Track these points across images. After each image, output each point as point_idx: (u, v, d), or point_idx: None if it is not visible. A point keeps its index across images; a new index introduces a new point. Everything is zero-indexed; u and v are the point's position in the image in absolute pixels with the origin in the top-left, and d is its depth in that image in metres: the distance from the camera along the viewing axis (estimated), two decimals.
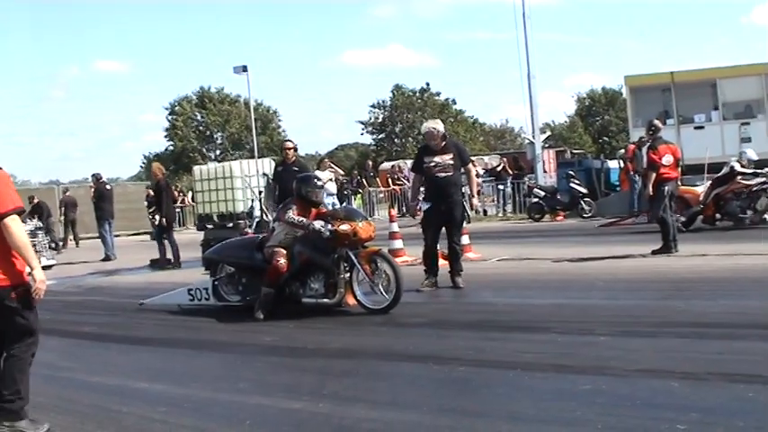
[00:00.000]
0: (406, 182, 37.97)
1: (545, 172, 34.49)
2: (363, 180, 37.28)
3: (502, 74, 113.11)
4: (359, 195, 36.14)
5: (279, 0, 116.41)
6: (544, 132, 39.24)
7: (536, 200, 29.67)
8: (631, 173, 27.03)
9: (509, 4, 43.58)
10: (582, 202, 28.58)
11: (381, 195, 37.10)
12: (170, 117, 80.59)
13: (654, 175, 15.65)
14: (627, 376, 7.36)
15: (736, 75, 30.62)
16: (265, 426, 6.87)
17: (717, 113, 30.22)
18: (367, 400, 7.41)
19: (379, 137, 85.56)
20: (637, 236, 19.13)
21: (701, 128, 30.00)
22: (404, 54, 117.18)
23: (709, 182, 20.57)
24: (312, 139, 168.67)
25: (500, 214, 33.23)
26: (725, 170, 20.48)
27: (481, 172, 36.93)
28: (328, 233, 11.56)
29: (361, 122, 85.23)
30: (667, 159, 15.73)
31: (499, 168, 35.61)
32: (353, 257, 11.62)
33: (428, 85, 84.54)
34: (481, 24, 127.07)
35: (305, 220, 11.87)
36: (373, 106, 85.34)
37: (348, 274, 11.74)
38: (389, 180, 38.63)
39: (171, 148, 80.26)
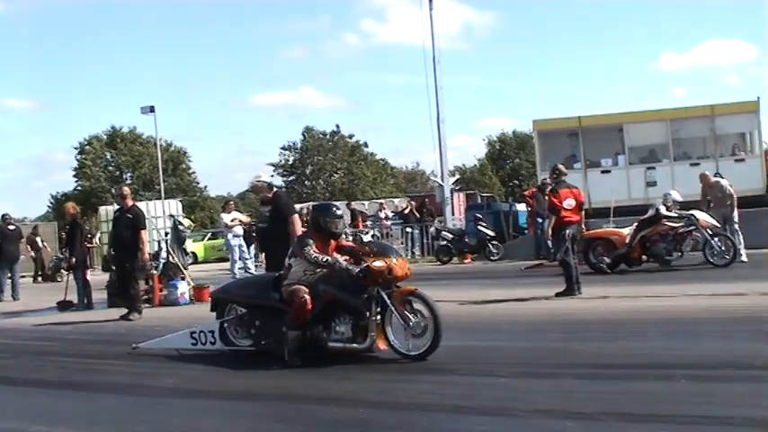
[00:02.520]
0: None
1: (454, 215, 34.74)
2: None
3: (413, 117, 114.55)
4: None
5: (190, 41, 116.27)
6: (453, 175, 39.57)
7: (444, 242, 29.88)
8: (537, 217, 27.40)
9: (419, 47, 43.85)
10: (489, 245, 28.89)
11: None
12: (79, 156, 79.38)
13: (554, 218, 15.90)
14: (523, 417, 7.47)
15: (643, 120, 31.44)
16: None
17: (623, 158, 30.79)
18: None
19: (290, 179, 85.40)
20: (549, 279, 19.33)
21: (608, 172, 30.58)
22: (314, 96, 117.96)
23: (635, 224, 20.87)
24: (224, 181, 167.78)
25: (408, 257, 33.26)
26: (650, 212, 20.82)
27: (390, 215, 37.20)
28: (358, 271, 10.47)
29: (272, 164, 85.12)
30: (569, 203, 16.02)
31: (406, 211, 35.73)
32: (386, 298, 10.47)
33: (338, 127, 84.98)
34: (392, 67, 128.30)
35: (329, 258, 10.76)
36: (284, 148, 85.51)
37: (379, 316, 10.56)
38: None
39: (79, 188, 79.05)
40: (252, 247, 27.20)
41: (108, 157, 79.77)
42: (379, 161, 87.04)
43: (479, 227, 29.30)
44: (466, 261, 29.25)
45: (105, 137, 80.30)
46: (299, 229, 14.11)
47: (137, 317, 17.03)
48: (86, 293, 20.64)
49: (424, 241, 33.52)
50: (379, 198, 60.79)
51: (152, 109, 36.78)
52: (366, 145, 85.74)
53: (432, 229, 32.57)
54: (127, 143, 78.98)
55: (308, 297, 10.62)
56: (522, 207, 32.67)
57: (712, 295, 14.67)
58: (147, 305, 19.01)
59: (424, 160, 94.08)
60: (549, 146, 32.42)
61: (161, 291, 19.85)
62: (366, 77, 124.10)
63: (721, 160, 29.38)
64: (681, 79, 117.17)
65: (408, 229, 34.41)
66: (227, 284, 12.73)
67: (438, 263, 29.39)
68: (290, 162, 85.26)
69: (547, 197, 17.62)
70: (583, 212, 17.36)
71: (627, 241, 20.58)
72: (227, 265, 27.34)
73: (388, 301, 10.43)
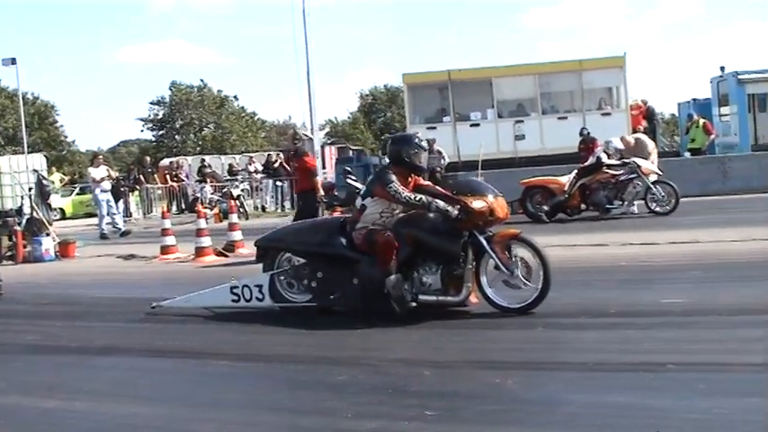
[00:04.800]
0: (185, 178, 37.44)
1: (325, 168, 34.57)
2: (141, 176, 36.35)
3: (285, 70, 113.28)
4: (136, 192, 35.21)
5: None
6: (323, 129, 39.40)
7: None
8: None
9: None
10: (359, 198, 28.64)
11: (159, 192, 36.27)
12: None
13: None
14: (382, 366, 7.51)
15: (511, 74, 31.88)
16: (20, 426, 6.61)
17: (492, 111, 31.16)
18: (126, 395, 7.23)
19: (160, 133, 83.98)
20: None
21: (477, 125, 30.86)
22: (184, 49, 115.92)
23: (575, 171, 20.36)
24: (94, 135, 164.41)
25: (278, 210, 33.04)
26: (591, 160, 20.49)
27: (260, 168, 36.88)
28: (457, 212, 9.17)
29: (142, 119, 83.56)
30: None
31: (276, 164, 35.41)
32: (485, 243, 9.31)
33: (203, 81, 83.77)
34: (262, 19, 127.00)
35: (423, 197, 9.32)
36: (152, 103, 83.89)
37: (473, 264, 9.37)
38: (167, 177, 37.88)
39: None
40: (120, 202, 26.65)
41: None
42: (249, 114, 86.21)
43: (348, 180, 29.06)
44: (335, 214, 29.01)
45: None
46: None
47: None
48: None
49: (294, 194, 33.23)
50: (250, 151, 60.36)
51: (13, 61, 35.80)
52: (236, 98, 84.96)
53: None
54: None
55: (392, 236, 9.28)
56: None
57: (625, 245, 14.57)
58: (10, 262, 18.59)
59: (296, 113, 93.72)
60: (418, 99, 32.58)
61: (25, 247, 19.23)
62: (238, 29, 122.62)
63: (588, 114, 29.96)
64: (549, 33, 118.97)
65: (279, 183, 34.10)
66: (278, 231, 10.95)
67: None
68: (159, 117, 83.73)
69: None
70: None
71: (566, 189, 19.99)
72: (95, 220, 26.67)
73: (487, 247, 9.26)
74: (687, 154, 29.25)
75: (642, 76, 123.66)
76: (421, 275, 9.37)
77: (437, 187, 9.95)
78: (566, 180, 20.20)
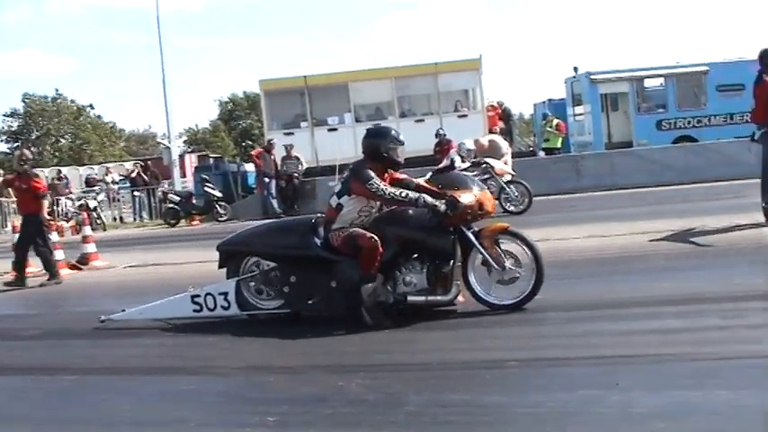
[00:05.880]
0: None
1: (186, 177, 34.17)
2: None
3: (143, 78, 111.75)
4: None
5: None
6: (180, 137, 39.04)
7: (171, 205, 29.24)
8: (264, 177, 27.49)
9: (143, 7, 42.69)
10: (217, 206, 28.49)
11: (14, 206, 35.07)
12: None
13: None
14: (229, 374, 7.51)
15: (368, 78, 31.98)
16: None
17: (350, 116, 31.20)
18: None
19: (15, 146, 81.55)
20: None
21: (335, 130, 30.87)
22: (38, 58, 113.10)
23: (429, 173, 20.40)
24: None
25: (137, 221, 32.49)
26: (445, 162, 20.48)
27: (117, 178, 36.24)
28: (445, 207, 8.68)
29: None
30: None
31: (133, 174, 34.79)
32: (473, 238, 8.89)
33: (57, 91, 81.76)
34: (119, 26, 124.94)
35: (409, 192, 8.83)
36: (5, 115, 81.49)
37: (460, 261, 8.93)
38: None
39: None
40: None
41: None
42: (107, 124, 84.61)
43: (206, 188, 28.95)
44: (194, 223, 28.83)
45: None
46: None
47: None
48: None
49: (152, 204, 32.79)
50: (109, 162, 59.24)
51: None
52: (91, 107, 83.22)
53: (158, 192, 31.91)
54: None
55: (378, 241, 8.71)
56: (250, 167, 32.39)
57: None
58: None
59: (155, 122, 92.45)
60: (275, 105, 32.42)
61: None
62: (94, 38, 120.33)
63: (445, 116, 30.26)
64: (407, 37, 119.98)
65: (137, 193, 33.55)
66: (241, 234, 10.21)
67: (166, 226, 28.76)
68: (14, 129, 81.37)
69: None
70: None
71: None
72: None
73: (476, 242, 8.85)
74: (542, 153, 29.81)
75: (500, 77, 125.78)
76: (404, 275, 8.87)
77: (414, 180, 9.43)
78: (421, 182, 20.04)
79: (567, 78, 35.01)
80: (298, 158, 27.95)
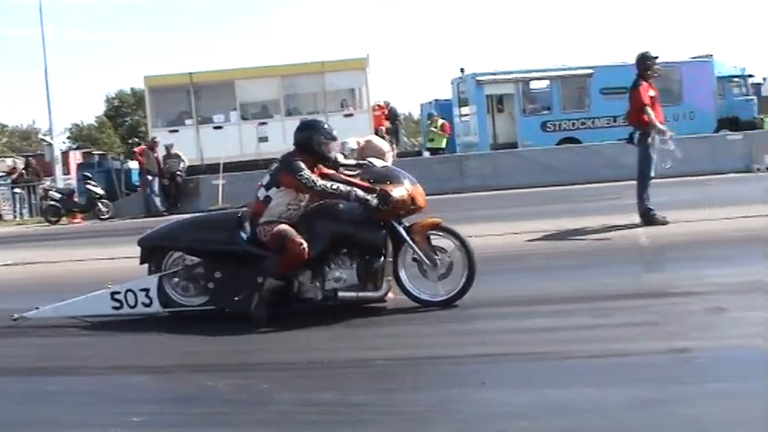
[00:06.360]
0: None
1: (70, 174, 33.57)
2: None
3: (27, 72, 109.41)
4: None
5: None
6: (64, 133, 38.37)
7: (52, 202, 28.62)
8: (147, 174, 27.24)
9: None
10: (99, 204, 28.00)
11: None
12: None
13: None
14: (98, 374, 7.38)
15: (254, 76, 31.84)
16: None
17: (235, 114, 31.06)
18: None
19: None
20: None
21: (220, 128, 30.70)
22: None
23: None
24: None
25: (17, 218, 31.75)
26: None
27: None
28: (377, 201, 8.54)
29: None
30: None
31: (14, 173, 34.04)
32: (404, 233, 8.73)
33: None
34: (3, 19, 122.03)
35: (341, 185, 8.75)
36: None
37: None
38: None
39: None
40: None
41: None
42: None
43: (88, 185, 28.46)
44: (75, 221, 28.29)
45: None
46: None
47: None
48: None
49: (33, 202, 32.09)
50: None
51: None
52: None
53: (39, 190, 31.26)
54: None
55: (304, 241, 8.46)
56: (135, 165, 31.96)
57: None
58: None
59: (40, 118, 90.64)
60: (160, 102, 32.02)
61: None
62: None
63: (331, 115, 30.11)
64: (294, 34, 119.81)
65: (17, 190, 32.83)
66: (164, 228, 9.74)
67: (47, 223, 28.13)
68: None
69: None
70: None
71: None
72: None
73: (407, 238, 8.70)
74: (427, 153, 30.02)
75: (389, 77, 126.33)
76: (333, 270, 8.65)
77: (342, 176, 9.28)
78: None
79: (454, 79, 35.34)
80: (179, 156, 27.69)
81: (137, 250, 9.50)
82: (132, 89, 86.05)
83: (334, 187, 8.65)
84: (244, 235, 8.91)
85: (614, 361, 6.48)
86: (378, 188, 8.68)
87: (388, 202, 8.52)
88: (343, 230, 8.68)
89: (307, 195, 8.89)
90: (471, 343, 7.41)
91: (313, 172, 8.82)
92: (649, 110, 13.58)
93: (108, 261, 14.87)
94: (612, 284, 9.33)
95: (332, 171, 9.27)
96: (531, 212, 17.44)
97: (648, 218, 13.54)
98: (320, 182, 8.69)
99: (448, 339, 7.66)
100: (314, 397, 6.18)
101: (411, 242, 8.68)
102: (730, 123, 33.72)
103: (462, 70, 34.76)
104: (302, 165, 8.69)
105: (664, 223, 13.43)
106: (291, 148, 9.07)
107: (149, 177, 27.37)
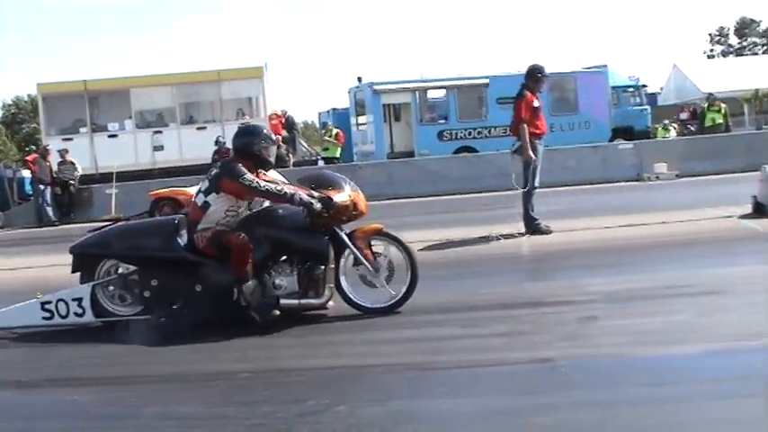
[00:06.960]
0: None
1: None
2: None
3: None
4: None
5: None
6: None
7: None
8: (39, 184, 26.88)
9: None
10: None
11: None
12: None
13: None
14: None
15: (150, 84, 31.76)
16: None
17: (130, 122, 30.82)
18: None
19: None
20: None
21: (115, 136, 30.43)
22: None
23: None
24: None
25: None
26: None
27: None
28: (321, 206, 8.41)
29: None
30: None
31: None
32: (346, 239, 8.69)
33: None
34: None
35: (286, 189, 8.54)
36: None
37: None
38: None
39: None
40: None
41: None
42: None
43: None
44: None
45: None
46: None
47: None
48: None
49: None
50: None
51: None
52: None
53: None
54: None
55: (247, 239, 8.38)
56: (27, 173, 31.44)
57: None
58: None
59: None
60: (54, 110, 31.74)
61: None
62: None
63: (227, 124, 30.14)
64: (197, 42, 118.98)
65: None
66: (97, 235, 9.31)
67: None
68: None
69: None
70: None
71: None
72: None
73: (349, 244, 8.67)
74: (321, 162, 30.09)
75: (290, 86, 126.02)
76: (274, 277, 8.57)
77: (282, 182, 9.04)
78: (194, 191, 20.07)
79: (351, 88, 35.49)
80: (73, 164, 27.32)
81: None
82: (29, 96, 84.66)
83: (278, 189, 8.54)
84: (181, 242, 8.77)
85: (475, 372, 6.61)
86: (320, 193, 8.58)
87: (331, 206, 8.46)
88: (284, 237, 8.62)
89: (245, 202, 8.81)
90: (332, 354, 7.50)
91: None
92: (525, 127, 13.61)
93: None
94: (488, 294, 9.53)
95: (271, 177, 9.15)
96: (420, 222, 17.56)
97: (533, 227, 13.73)
98: (264, 184, 8.58)
99: (306, 351, 7.71)
100: (177, 410, 6.19)
101: (353, 248, 8.67)
102: (625, 133, 34.34)
103: (360, 79, 34.96)
104: (243, 169, 8.59)
105: (548, 232, 13.64)
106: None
107: (41, 186, 26.92)
